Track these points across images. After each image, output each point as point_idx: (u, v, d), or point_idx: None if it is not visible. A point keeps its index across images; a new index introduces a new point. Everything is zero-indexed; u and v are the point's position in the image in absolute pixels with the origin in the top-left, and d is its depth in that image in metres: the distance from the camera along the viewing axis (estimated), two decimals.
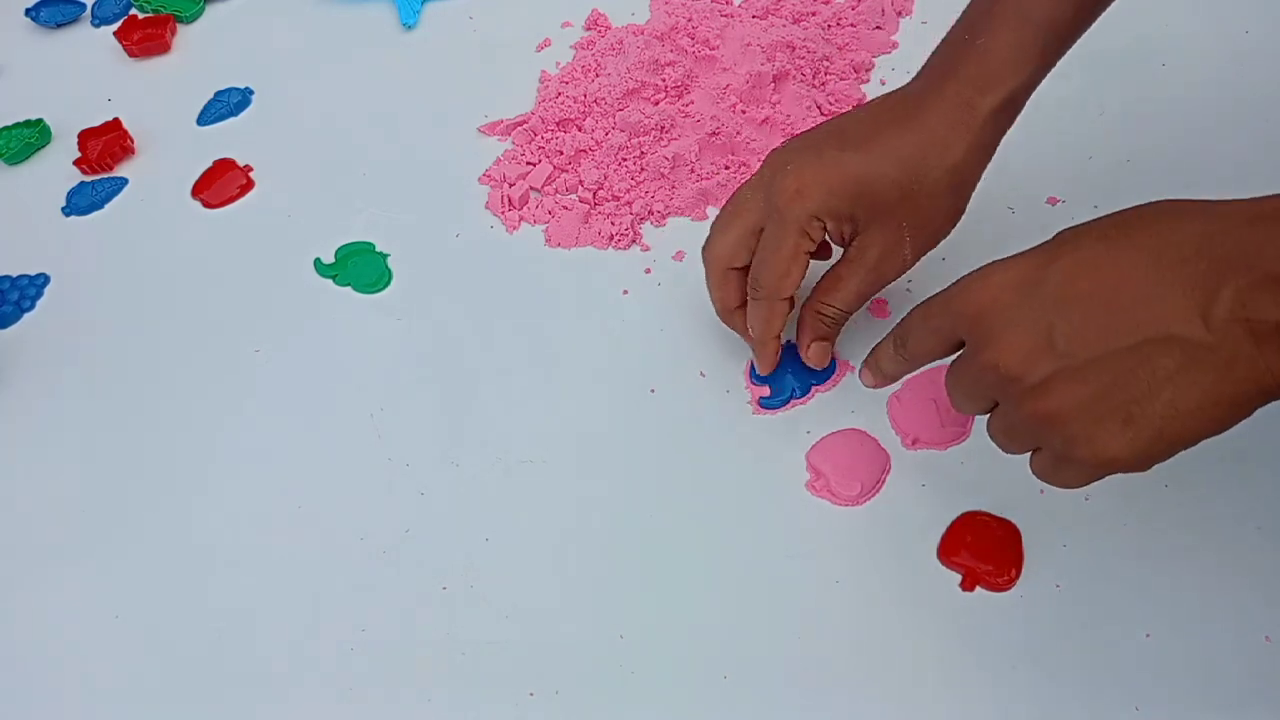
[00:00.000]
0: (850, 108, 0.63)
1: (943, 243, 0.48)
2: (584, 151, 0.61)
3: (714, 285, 0.50)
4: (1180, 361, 0.34)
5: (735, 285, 0.49)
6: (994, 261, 0.38)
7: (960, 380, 0.40)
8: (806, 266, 0.47)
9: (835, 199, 0.45)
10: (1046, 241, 0.38)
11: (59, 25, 0.77)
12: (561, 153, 0.61)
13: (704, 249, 0.50)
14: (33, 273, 0.63)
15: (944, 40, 0.47)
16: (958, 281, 0.39)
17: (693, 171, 0.60)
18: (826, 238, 0.47)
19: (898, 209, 0.45)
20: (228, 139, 0.68)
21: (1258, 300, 0.33)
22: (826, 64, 0.64)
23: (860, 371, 0.47)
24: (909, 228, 0.46)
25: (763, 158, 0.60)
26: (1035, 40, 0.45)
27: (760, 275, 0.47)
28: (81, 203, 0.66)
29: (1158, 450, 0.35)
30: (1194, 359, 0.34)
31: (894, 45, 0.66)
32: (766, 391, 0.52)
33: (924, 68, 0.47)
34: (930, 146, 0.45)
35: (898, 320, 0.43)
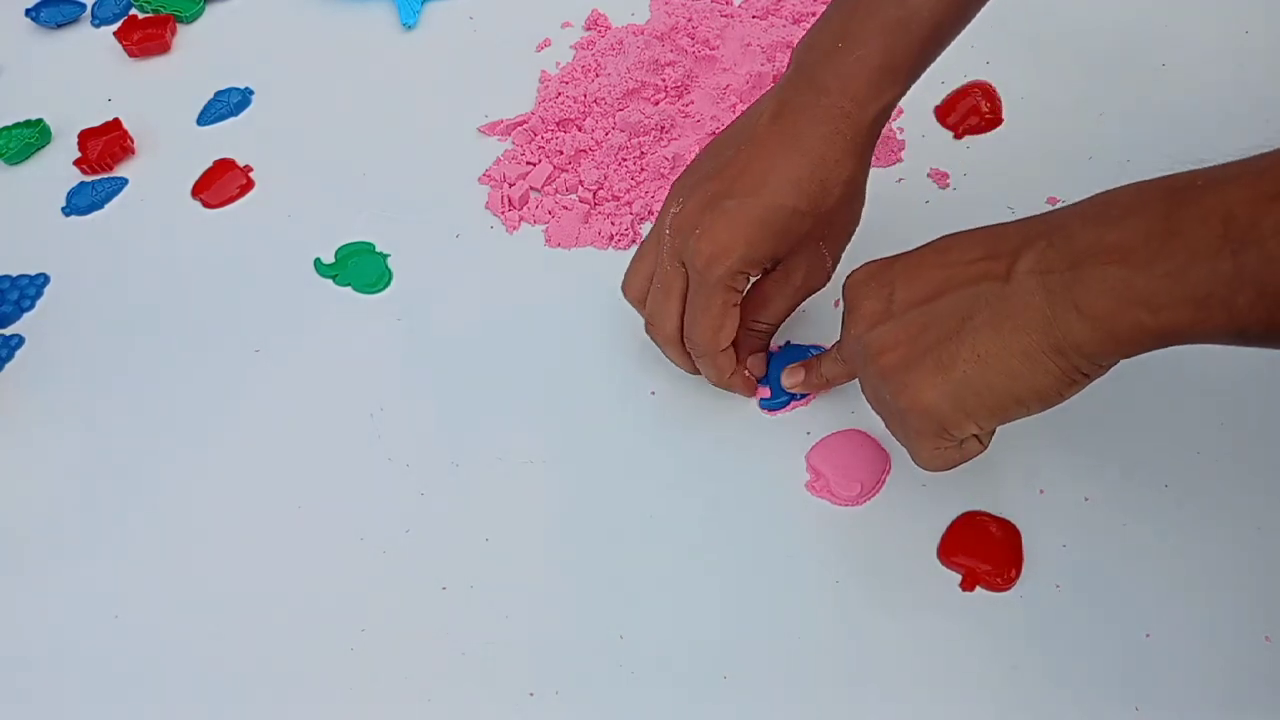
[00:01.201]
0: None
1: None
2: (584, 151, 0.61)
3: (675, 356, 0.50)
4: (986, 314, 0.37)
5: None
6: None
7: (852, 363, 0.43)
8: (738, 317, 0.47)
9: (751, 249, 0.45)
10: None
11: (59, 25, 0.77)
12: (561, 153, 0.61)
13: (652, 330, 0.50)
14: (33, 273, 0.63)
15: (809, 45, 0.46)
16: None
17: None
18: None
19: (812, 233, 0.46)
20: (228, 139, 0.68)
21: (1052, 258, 0.35)
22: None
23: (790, 369, 0.50)
24: (825, 243, 0.48)
25: None
26: (910, 49, 0.44)
27: (696, 338, 0.47)
28: (81, 203, 0.66)
29: (969, 400, 0.37)
30: (995, 309, 0.36)
31: None
32: (767, 393, 0.52)
33: (794, 76, 0.46)
34: (823, 168, 0.45)
35: None
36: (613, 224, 0.59)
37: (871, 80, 0.44)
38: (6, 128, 0.70)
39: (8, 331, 0.61)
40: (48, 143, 0.70)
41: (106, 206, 0.66)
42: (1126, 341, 0.34)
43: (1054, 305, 0.35)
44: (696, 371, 0.51)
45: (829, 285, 0.49)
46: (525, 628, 0.47)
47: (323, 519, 0.51)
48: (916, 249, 0.41)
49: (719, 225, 0.45)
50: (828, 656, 0.44)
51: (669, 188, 0.59)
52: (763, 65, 0.62)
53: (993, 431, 0.41)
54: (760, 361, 0.51)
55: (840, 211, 0.47)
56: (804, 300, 0.50)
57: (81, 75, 0.74)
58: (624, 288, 0.51)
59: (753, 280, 0.48)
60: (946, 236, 0.41)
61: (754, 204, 0.44)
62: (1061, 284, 0.35)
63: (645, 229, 0.59)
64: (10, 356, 0.60)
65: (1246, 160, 0.32)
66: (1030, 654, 0.44)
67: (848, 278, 0.43)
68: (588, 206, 0.60)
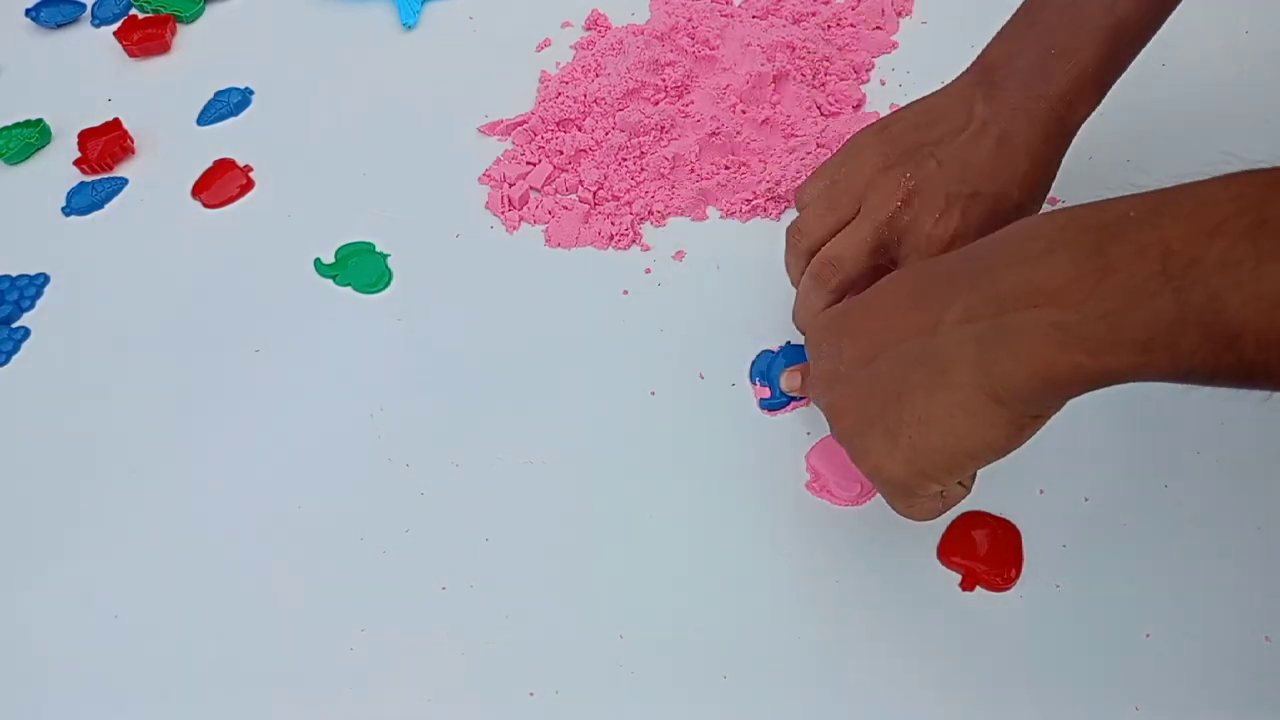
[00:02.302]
0: (850, 109, 0.63)
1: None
2: (584, 151, 0.61)
3: (794, 266, 0.49)
4: (919, 374, 0.35)
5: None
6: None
7: None
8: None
9: (966, 226, 0.44)
10: None
11: (59, 25, 0.77)
12: (561, 153, 0.61)
13: (795, 235, 0.49)
14: (33, 273, 0.63)
15: (1018, 50, 0.46)
16: None
17: (693, 171, 0.60)
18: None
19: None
20: (228, 139, 0.68)
21: (976, 304, 0.34)
22: (826, 64, 0.64)
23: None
24: None
25: (763, 158, 0.61)
26: (1120, 56, 0.46)
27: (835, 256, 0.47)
28: (81, 203, 0.66)
29: (926, 464, 0.37)
30: (927, 367, 0.35)
31: (894, 45, 0.66)
32: (768, 393, 0.52)
33: (1007, 79, 0.46)
34: (1040, 168, 0.45)
35: None
36: (613, 224, 0.59)
37: (1085, 89, 0.45)
38: (6, 128, 0.70)
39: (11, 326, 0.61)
40: (48, 143, 0.70)
41: (106, 206, 0.66)
42: (1066, 385, 0.32)
43: (984, 355, 0.33)
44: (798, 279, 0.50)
45: None
46: (525, 628, 0.47)
47: (323, 519, 0.51)
48: (863, 295, 0.41)
49: (944, 204, 0.44)
50: (828, 656, 0.44)
51: (669, 185, 0.60)
52: (763, 65, 0.62)
53: (973, 475, 0.40)
54: None
55: (1036, 207, 0.47)
56: None
57: (81, 75, 0.74)
58: (800, 234, 0.49)
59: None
60: (887, 279, 0.40)
61: (984, 193, 0.44)
62: (990, 332, 0.33)
63: (645, 229, 0.59)
64: (16, 349, 0.60)
65: (1177, 189, 0.31)
66: (1030, 654, 0.44)
67: (810, 327, 0.43)
68: (588, 206, 0.60)
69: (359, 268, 0.60)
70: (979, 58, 0.48)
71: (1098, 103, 0.46)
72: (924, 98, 0.49)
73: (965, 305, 0.34)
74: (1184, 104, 0.59)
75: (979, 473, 0.48)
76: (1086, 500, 0.47)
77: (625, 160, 0.61)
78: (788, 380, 0.50)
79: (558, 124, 0.63)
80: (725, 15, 0.66)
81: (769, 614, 0.46)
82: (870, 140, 0.48)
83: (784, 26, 0.65)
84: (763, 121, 0.62)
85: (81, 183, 0.67)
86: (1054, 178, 0.47)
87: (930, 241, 0.44)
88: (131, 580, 0.51)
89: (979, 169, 0.45)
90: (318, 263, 0.61)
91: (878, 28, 0.67)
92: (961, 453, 0.36)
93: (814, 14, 0.67)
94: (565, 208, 0.60)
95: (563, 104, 0.63)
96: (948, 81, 0.49)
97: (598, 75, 0.64)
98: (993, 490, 0.47)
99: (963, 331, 0.34)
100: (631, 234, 0.59)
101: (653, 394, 0.53)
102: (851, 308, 0.41)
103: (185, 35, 0.75)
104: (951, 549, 0.46)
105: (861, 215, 0.46)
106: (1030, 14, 0.47)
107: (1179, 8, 0.65)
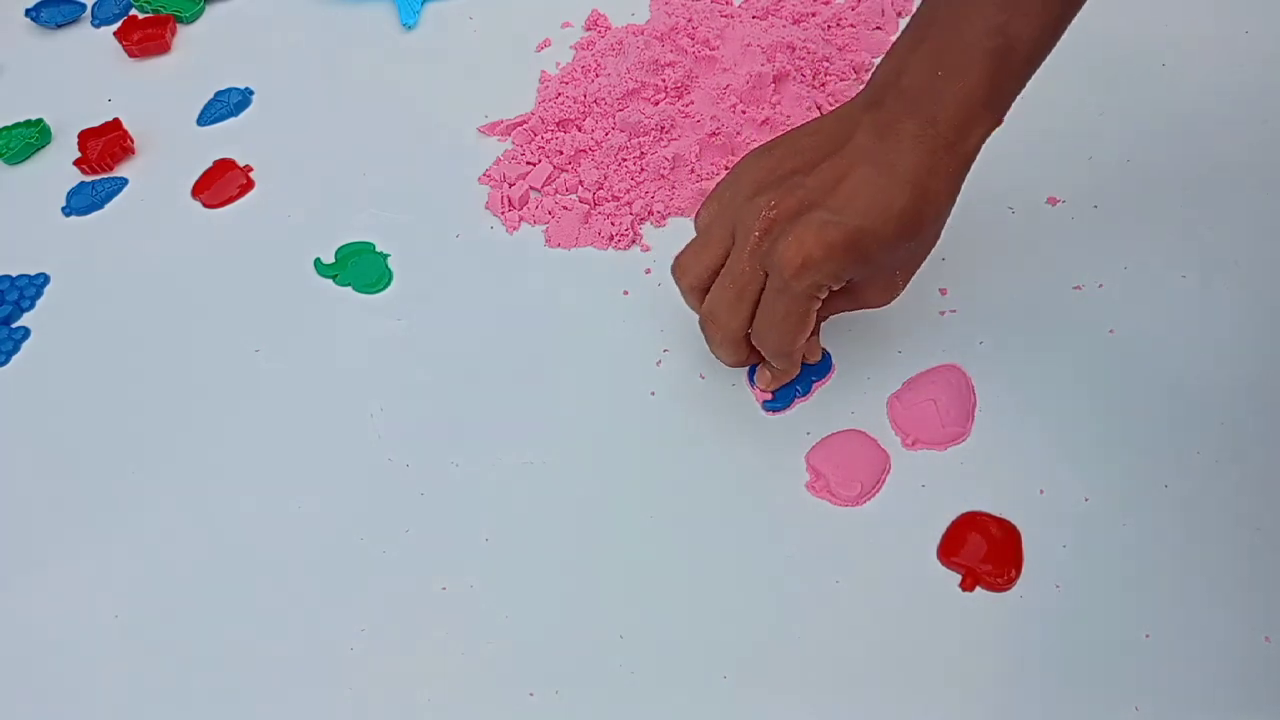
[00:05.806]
0: None
1: (944, 242, 0.48)
2: (584, 151, 0.61)
3: (730, 351, 0.48)
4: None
5: (749, 345, 0.48)
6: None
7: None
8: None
9: (841, 267, 0.44)
10: None
11: (59, 25, 0.77)
12: (561, 153, 0.61)
13: (712, 325, 0.48)
14: (33, 273, 0.63)
15: (904, 69, 0.44)
16: None
17: (693, 171, 0.60)
18: None
19: (893, 259, 0.46)
20: (228, 139, 0.68)
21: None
22: (826, 64, 0.64)
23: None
24: (901, 271, 0.47)
25: None
26: (1012, 77, 0.44)
27: (773, 342, 0.46)
28: (81, 203, 0.66)
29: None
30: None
31: None
32: (770, 395, 0.52)
33: (894, 99, 0.44)
34: (924, 201, 0.44)
35: None
36: (613, 224, 0.59)
37: (976, 113, 0.43)
38: (6, 128, 0.70)
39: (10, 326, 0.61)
40: (48, 143, 0.70)
41: (106, 206, 0.66)
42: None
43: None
44: (737, 364, 0.50)
45: None
46: (525, 628, 0.47)
47: (322, 519, 0.51)
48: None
49: (811, 238, 0.43)
50: (828, 656, 0.45)
51: (669, 185, 0.60)
52: (763, 65, 0.62)
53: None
54: (814, 347, 0.52)
55: (925, 244, 0.46)
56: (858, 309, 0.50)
57: (81, 75, 0.74)
58: (680, 271, 0.49)
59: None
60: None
61: (852, 227, 0.43)
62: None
63: (645, 229, 0.59)
64: (16, 349, 0.60)
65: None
66: (1030, 654, 0.44)
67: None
68: (588, 206, 0.60)
69: (359, 268, 0.60)
70: (871, 76, 0.47)
71: (993, 126, 0.44)
72: (817, 118, 0.48)
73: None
74: (1184, 104, 0.59)
75: (980, 471, 0.48)
76: (1086, 500, 0.47)
77: (625, 160, 0.61)
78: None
79: (558, 124, 0.63)
80: (725, 15, 0.66)
81: (769, 614, 0.46)
82: (751, 163, 0.48)
83: (784, 27, 0.65)
84: (763, 122, 0.62)
85: (81, 183, 0.67)
86: (946, 210, 0.45)
87: (783, 265, 0.43)
88: (131, 580, 0.51)
89: (847, 199, 0.43)
90: (318, 263, 0.61)
91: (877, 28, 0.67)
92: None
93: (814, 14, 0.67)
94: (565, 208, 0.60)
95: (563, 104, 0.63)
96: None
97: (598, 75, 0.64)
98: (993, 490, 0.48)
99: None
100: (631, 234, 0.59)
101: (653, 394, 0.53)
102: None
103: (185, 35, 0.75)
104: (951, 549, 0.46)
105: (732, 252, 0.47)
106: (918, 30, 0.45)
107: (1179, 8, 0.65)
